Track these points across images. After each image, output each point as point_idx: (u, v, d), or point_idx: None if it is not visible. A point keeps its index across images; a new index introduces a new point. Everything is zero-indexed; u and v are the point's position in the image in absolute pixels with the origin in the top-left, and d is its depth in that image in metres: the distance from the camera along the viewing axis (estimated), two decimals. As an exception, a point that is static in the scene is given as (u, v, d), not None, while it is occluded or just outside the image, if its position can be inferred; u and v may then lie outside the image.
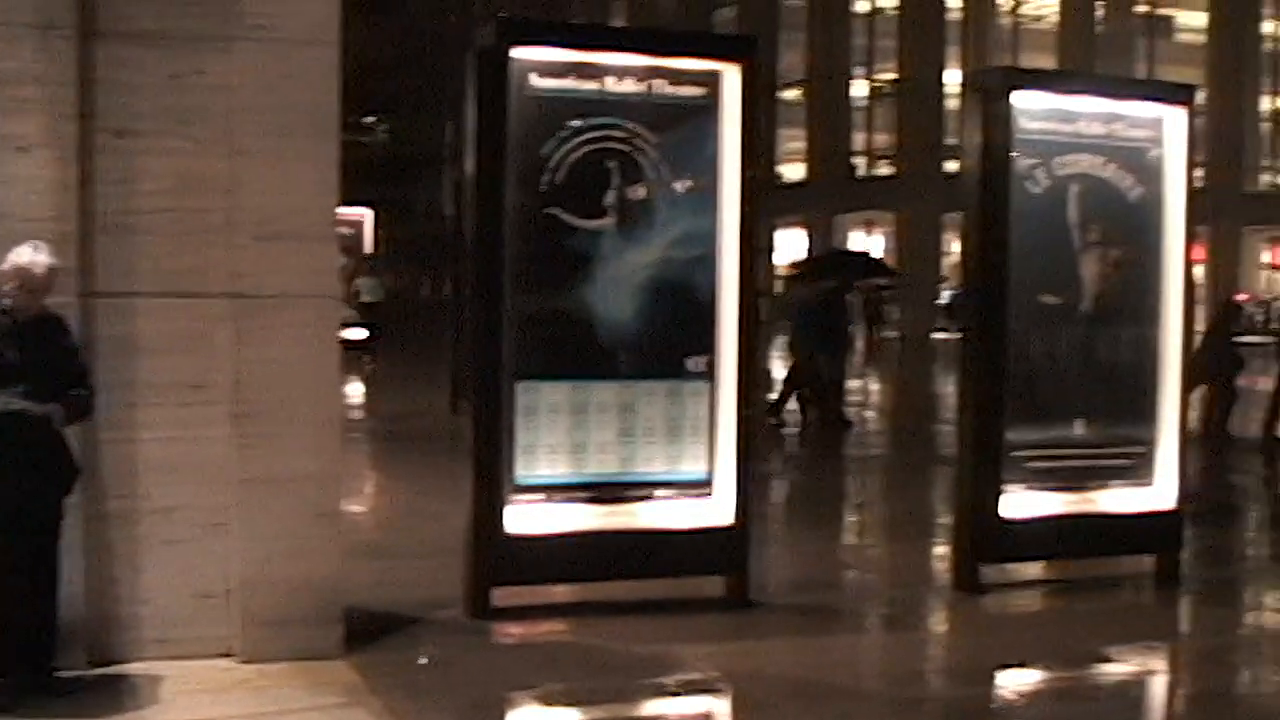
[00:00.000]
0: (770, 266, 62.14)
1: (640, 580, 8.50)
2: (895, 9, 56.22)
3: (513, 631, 8.03)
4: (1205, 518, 11.70)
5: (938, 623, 9.11)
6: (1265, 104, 61.25)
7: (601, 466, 8.30)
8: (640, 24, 59.80)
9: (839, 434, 19.00)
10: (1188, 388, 9.85)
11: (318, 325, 7.20)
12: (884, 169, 58.21)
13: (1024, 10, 58.35)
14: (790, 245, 60.37)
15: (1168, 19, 61.02)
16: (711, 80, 8.41)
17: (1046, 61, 52.79)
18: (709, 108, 8.40)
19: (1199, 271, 51.50)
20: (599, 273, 8.20)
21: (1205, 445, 17.97)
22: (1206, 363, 19.23)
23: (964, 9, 55.46)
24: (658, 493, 8.40)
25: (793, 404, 19.70)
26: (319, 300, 7.20)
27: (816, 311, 19.41)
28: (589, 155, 8.13)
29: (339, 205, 7.42)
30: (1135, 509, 9.43)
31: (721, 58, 8.52)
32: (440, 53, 72.62)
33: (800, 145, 61.15)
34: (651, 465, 8.39)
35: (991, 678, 7.77)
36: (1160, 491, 9.51)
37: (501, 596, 8.12)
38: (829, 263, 22.34)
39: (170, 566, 7.00)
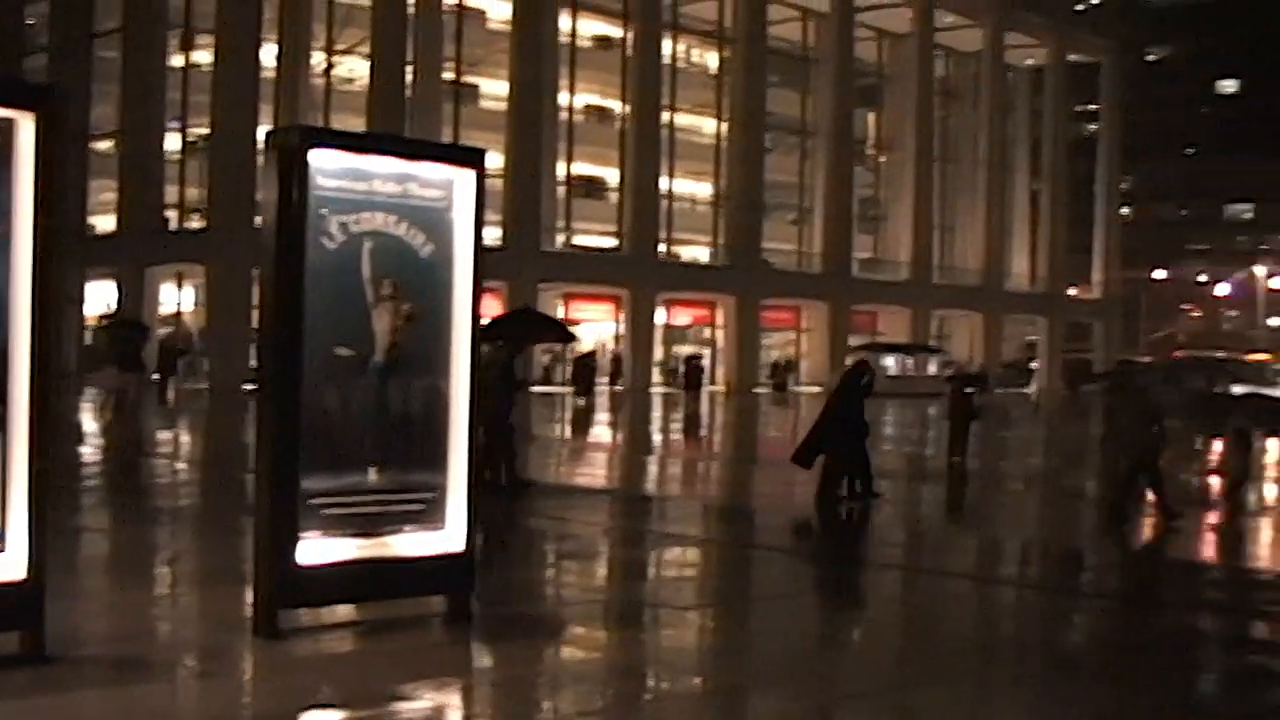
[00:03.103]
0: (80, 317, 60.20)
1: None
2: (210, 65, 55.86)
3: None
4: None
5: (241, 669, 9.16)
6: (561, 169, 64.96)
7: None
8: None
9: (521, 494, 18.88)
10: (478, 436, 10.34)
11: None
12: (196, 222, 57.61)
13: (336, 72, 59.37)
14: (101, 296, 58.92)
15: (474, 86, 63.68)
16: (5, 128, 8.22)
17: (358, 123, 53.87)
18: (1, 156, 8.20)
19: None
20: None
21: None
22: (832, 425, 19.82)
23: (277, 68, 55.80)
24: (-55, 549, 8.10)
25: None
26: None
27: (506, 371, 19.36)
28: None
29: None
30: (428, 552, 9.83)
31: (15, 106, 8.31)
32: None
33: (113, 196, 59.64)
34: (-63, 522, 8.08)
35: (292, 720, 7.94)
36: (451, 534, 9.94)
37: None
38: (510, 321, 22.25)
39: None
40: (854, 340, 72.56)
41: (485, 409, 19.30)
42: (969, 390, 28.00)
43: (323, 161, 9.30)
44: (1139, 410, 18.81)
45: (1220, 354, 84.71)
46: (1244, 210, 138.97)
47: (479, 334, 10.08)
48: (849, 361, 69.82)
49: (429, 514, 9.87)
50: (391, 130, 51.39)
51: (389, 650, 9.50)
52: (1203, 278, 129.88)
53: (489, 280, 10.17)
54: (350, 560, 9.49)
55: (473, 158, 10.21)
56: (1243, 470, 20.68)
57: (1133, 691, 9.48)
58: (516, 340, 20.80)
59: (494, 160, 56.92)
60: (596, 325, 67.06)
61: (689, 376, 51.70)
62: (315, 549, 9.30)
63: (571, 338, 27.22)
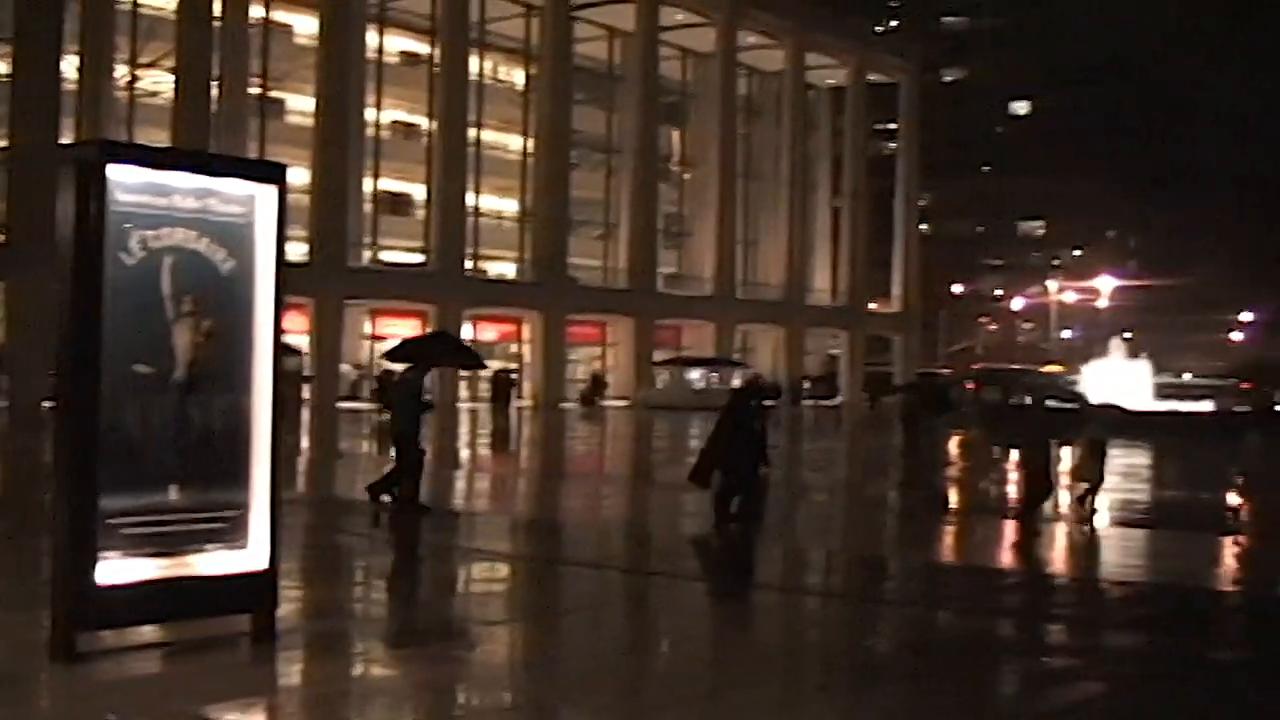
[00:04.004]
0: None
1: None
2: (8, 75, 54.38)
3: None
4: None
5: (36, 694, 8.97)
6: (368, 185, 64.52)
7: None
8: None
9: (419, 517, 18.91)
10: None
11: None
12: (-3, 238, 56.00)
13: (141, 85, 58.16)
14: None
15: (280, 101, 62.97)
16: None
17: (162, 137, 52.86)
18: None
19: (303, 341, 53.34)
20: None
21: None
22: (729, 444, 19.53)
23: (79, 80, 54.50)
24: None
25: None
26: None
27: (416, 392, 19.70)
28: None
29: None
30: (230, 570, 9.72)
31: None
32: None
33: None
34: None
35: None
36: (254, 553, 9.84)
37: None
38: (421, 343, 22.45)
39: None
40: (659, 355, 73.13)
41: (394, 429, 19.60)
42: (768, 403, 28.40)
43: (122, 176, 9.18)
44: (1036, 424, 19.32)
45: (1016, 366, 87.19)
46: (1037, 227, 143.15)
47: (281, 349, 10.02)
48: (661, 368, 70.91)
49: (231, 532, 9.76)
50: (197, 144, 50.54)
51: (192, 671, 9.38)
52: (998, 292, 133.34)
53: (294, 296, 10.13)
54: (151, 580, 9.35)
55: (274, 173, 10.15)
56: (1098, 477, 21.38)
57: (934, 694, 9.75)
58: (423, 361, 20.93)
59: (300, 176, 56.36)
60: (403, 341, 66.58)
61: (497, 391, 51.73)
62: (115, 569, 9.14)
63: (482, 365, 27.29)
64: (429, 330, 51.64)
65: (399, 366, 21.28)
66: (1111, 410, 23.14)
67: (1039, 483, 19.23)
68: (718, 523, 19.05)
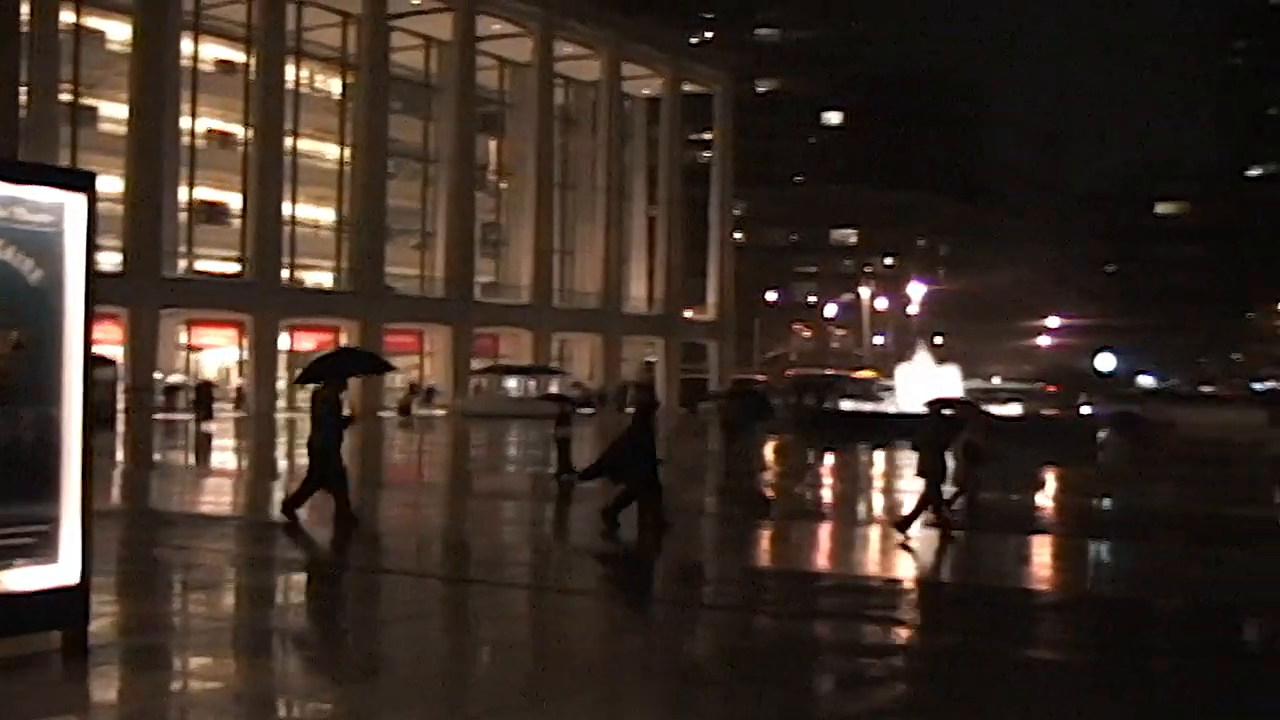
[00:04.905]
0: None
1: None
2: None
3: None
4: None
5: None
6: (183, 193, 63.48)
7: None
8: None
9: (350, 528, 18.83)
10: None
11: None
12: None
13: (-54, 92, 56.53)
14: None
15: (92, 109, 61.70)
16: None
17: (-34, 145, 51.42)
18: None
19: (118, 352, 52.20)
20: None
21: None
22: (632, 450, 19.42)
23: (-123, 86, 52.86)
24: None
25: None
26: None
27: (334, 407, 19.73)
28: None
29: None
30: (40, 586, 9.50)
31: None
32: None
33: None
34: None
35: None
36: (65, 568, 9.64)
37: None
38: (329, 361, 22.00)
39: None
40: (476, 364, 72.98)
41: (314, 444, 19.39)
42: (583, 410, 28.62)
43: (-72, 184, 8.97)
44: (932, 438, 19.64)
45: (830, 371, 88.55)
46: (849, 235, 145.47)
47: (93, 360, 9.86)
48: (479, 376, 70.63)
49: (41, 547, 9.54)
50: (4, 152, 49.20)
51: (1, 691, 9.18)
52: (812, 299, 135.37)
53: (108, 306, 9.98)
54: (-44, 598, 9.13)
55: (83, 181, 10.02)
56: (974, 483, 21.83)
57: (750, 698, 9.92)
58: (337, 376, 20.75)
59: (113, 184, 55.22)
60: (219, 351, 65.79)
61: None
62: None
63: (389, 368, 27.09)
64: (336, 347, 51.29)
65: (314, 385, 21.01)
66: (984, 416, 23.86)
67: (934, 487, 19.56)
68: (606, 523, 19.38)
